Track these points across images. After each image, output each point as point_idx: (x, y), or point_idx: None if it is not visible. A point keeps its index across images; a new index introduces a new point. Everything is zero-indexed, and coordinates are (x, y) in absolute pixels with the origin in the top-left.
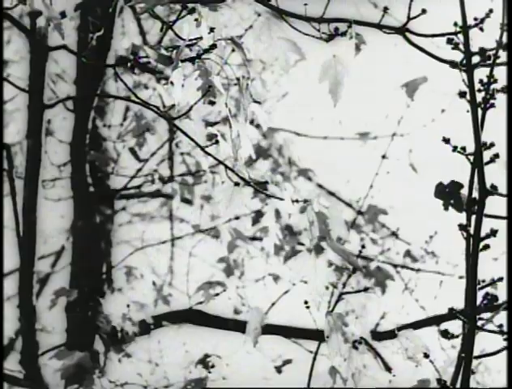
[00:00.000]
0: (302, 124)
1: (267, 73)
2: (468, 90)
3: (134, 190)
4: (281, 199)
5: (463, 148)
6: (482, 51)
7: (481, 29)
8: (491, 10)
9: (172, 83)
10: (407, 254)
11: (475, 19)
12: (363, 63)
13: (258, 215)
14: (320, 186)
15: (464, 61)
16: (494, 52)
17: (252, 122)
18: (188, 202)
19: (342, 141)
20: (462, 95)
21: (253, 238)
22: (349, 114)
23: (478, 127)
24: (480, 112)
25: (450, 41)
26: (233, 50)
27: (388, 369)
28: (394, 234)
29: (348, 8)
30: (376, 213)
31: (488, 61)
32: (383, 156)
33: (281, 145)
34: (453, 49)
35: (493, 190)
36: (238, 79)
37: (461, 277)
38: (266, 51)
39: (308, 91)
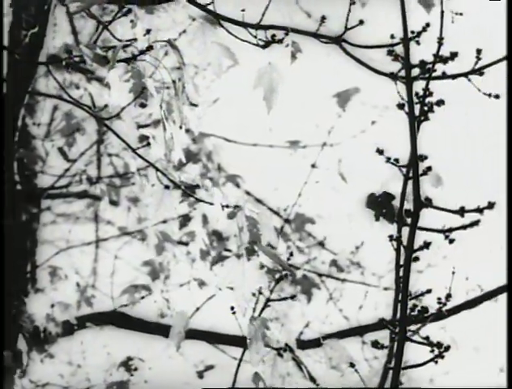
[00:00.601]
0: (232, 130)
1: (199, 78)
2: (407, 102)
3: (61, 190)
4: (211, 204)
5: (396, 160)
6: (422, 64)
7: (418, 42)
8: (428, 24)
9: (107, 83)
10: (333, 263)
11: (412, 32)
12: (297, 71)
13: (185, 219)
14: (248, 193)
15: (402, 73)
16: (431, 65)
17: (181, 127)
18: (115, 203)
19: (272, 148)
20: (400, 107)
21: (180, 242)
22: (280, 122)
23: (415, 140)
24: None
25: (390, 53)
26: (166, 53)
27: (312, 378)
28: (321, 243)
29: (283, 17)
30: (303, 222)
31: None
32: (313, 165)
33: (211, 150)
34: (393, 60)
35: (428, 202)
36: (174, 82)
37: (386, 288)
38: (199, 55)
39: (239, 97)
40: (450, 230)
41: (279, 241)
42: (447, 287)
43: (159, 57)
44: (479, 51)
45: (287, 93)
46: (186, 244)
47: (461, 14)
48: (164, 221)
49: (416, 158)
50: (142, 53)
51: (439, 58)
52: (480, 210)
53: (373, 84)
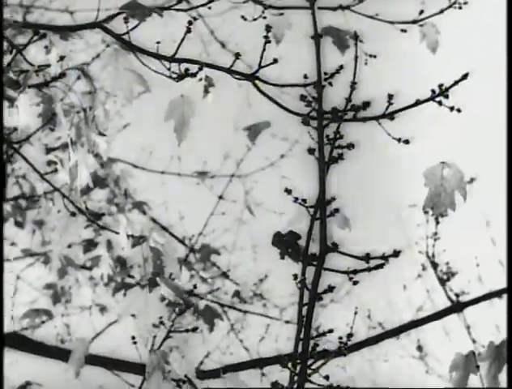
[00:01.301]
0: (141, 156)
1: (110, 102)
2: (317, 147)
3: None
4: (116, 233)
5: (304, 200)
6: (334, 110)
7: (331, 84)
8: (341, 67)
9: (17, 107)
10: (236, 294)
11: (326, 73)
12: (209, 102)
13: (90, 244)
14: (154, 220)
15: (313, 113)
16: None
17: (90, 151)
18: (20, 225)
19: (179, 177)
20: (310, 151)
21: (83, 267)
22: (189, 151)
23: (324, 184)
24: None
25: (303, 98)
26: (79, 77)
27: None
28: (225, 274)
29: (196, 47)
30: (208, 252)
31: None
32: (220, 197)
33: (118, 176)
34: (306, 106)
35: (334, 247)
36: (85, 110)
37: (287, 322)
38: (111, 81)
39: (150, 123)
40: (355, 272)
41: (182, 270)
42: (349, 324)
43: (71, 82)
44: (390, 96)
45: (198, 123)
46: (90, 269)
47: (374, 56)
48: (69, 246)
49: (323, 202)
50: (54, 79)
51: (351, 107)
52: (385, 257)
53: (285, 117)
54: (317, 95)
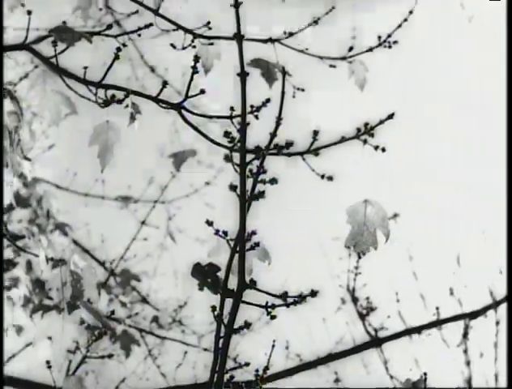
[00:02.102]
0: (65, 178)
1: (36, 122)
2: (239, 184)
3: None
4: (36, 256)
5: (225, 233)
6: (257, 149)
7: (256, 117)
8: (268, 100)
9: None
10: (155, 320)
11: (252, 106)
12: (136, 129)
13: (8, 264)
14: (75, 242)
15: (235, 145)
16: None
17: (14, 173)
18: None
19: (103, 200)
20: (232, 188)
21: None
22: (114, 175)
23: (244, 220)
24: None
25: (226, 135)
26: (5, 96)
27: None
28: (144, 299)
29: (125, 70)
30: (128, 278)
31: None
32: (143, 222)
33: (41, 196)
34: (229, 142)
35: (252, 283)
36: (10, 133)
37: (205, 349)
38: (38, 102)
39: (75, 145)
40: (273, 307)
41: (101, 294)
42: (267, 354)
43: None
44: (315, 132)
45: (124, 146)
46: (8, 289)
47: (303, 89)
48: None
49: (243, 239)
50: None
51: (275, 146)
52: (302, 297)
53: (209, 146)
54: (241, 132)
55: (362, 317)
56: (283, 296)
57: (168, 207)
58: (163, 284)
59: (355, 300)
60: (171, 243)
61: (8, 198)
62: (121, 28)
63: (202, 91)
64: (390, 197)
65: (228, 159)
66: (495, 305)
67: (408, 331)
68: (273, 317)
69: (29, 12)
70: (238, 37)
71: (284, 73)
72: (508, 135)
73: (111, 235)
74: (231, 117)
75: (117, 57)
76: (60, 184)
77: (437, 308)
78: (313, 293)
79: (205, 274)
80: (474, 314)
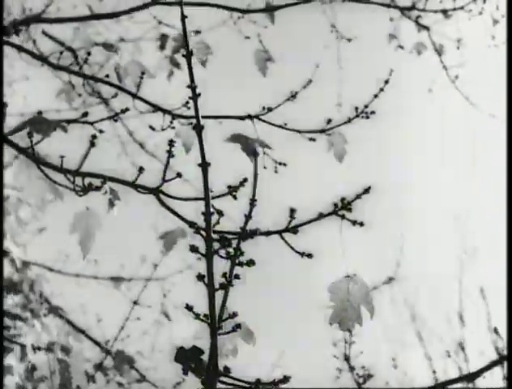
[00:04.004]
0: (56, 260)
1: (24, 207)
2: (207, 274)
3: None
4: (23, 346)
5: (206, 316)
6: (222, 239)
7: (235, 197)
8: (245, 180)
9: None
10: None
11: (229, 187)
12: (121, 210)
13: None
14: (70, 323)
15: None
16: (244, 227)
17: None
18: None
19: (95, 280)
20: (199, 278)
21: None
22: (104, 255)
23: (214, 310)
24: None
25: (192, 225)
26: None
27: None
28: (141, 380)
29: (115, 147)
30: (123, 359)
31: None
32: (135, 302)
33: (33, 280)
34: (194, 232)
35: (226, 372)
36: None
37: None
38: (23, 189)
39: (65, 227)
40: (257, 385)
41: (98, 376)
42: None
43: None
44: (292, 210)
45: (114, 226)
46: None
47: (285, 164)
48: None
49: (214, 325)
50: None
51: (246, 232)
52: (275, 383)
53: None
54: (206, 226)
55: (359, 385)
56: (256, 383)
57: (162, 284)
58: (161, 361)
59: (351, 369)
60: (166, 321)
61: None
62: (108, 107)
63: (179, 175)
64: (372, 269)
65: (192, 250)
66: (492, 365)
67: None
68: None
69: (4, 104)
70: (198, 128)
71: (256, 156)
72: (508, 147)
73: (106, 314)
74: (201, 199)
75: (92, 145)
76: (52, 266)
77: (434, 371)
78: (286, 379)
79: (188, 358)
80: (472, 377)
